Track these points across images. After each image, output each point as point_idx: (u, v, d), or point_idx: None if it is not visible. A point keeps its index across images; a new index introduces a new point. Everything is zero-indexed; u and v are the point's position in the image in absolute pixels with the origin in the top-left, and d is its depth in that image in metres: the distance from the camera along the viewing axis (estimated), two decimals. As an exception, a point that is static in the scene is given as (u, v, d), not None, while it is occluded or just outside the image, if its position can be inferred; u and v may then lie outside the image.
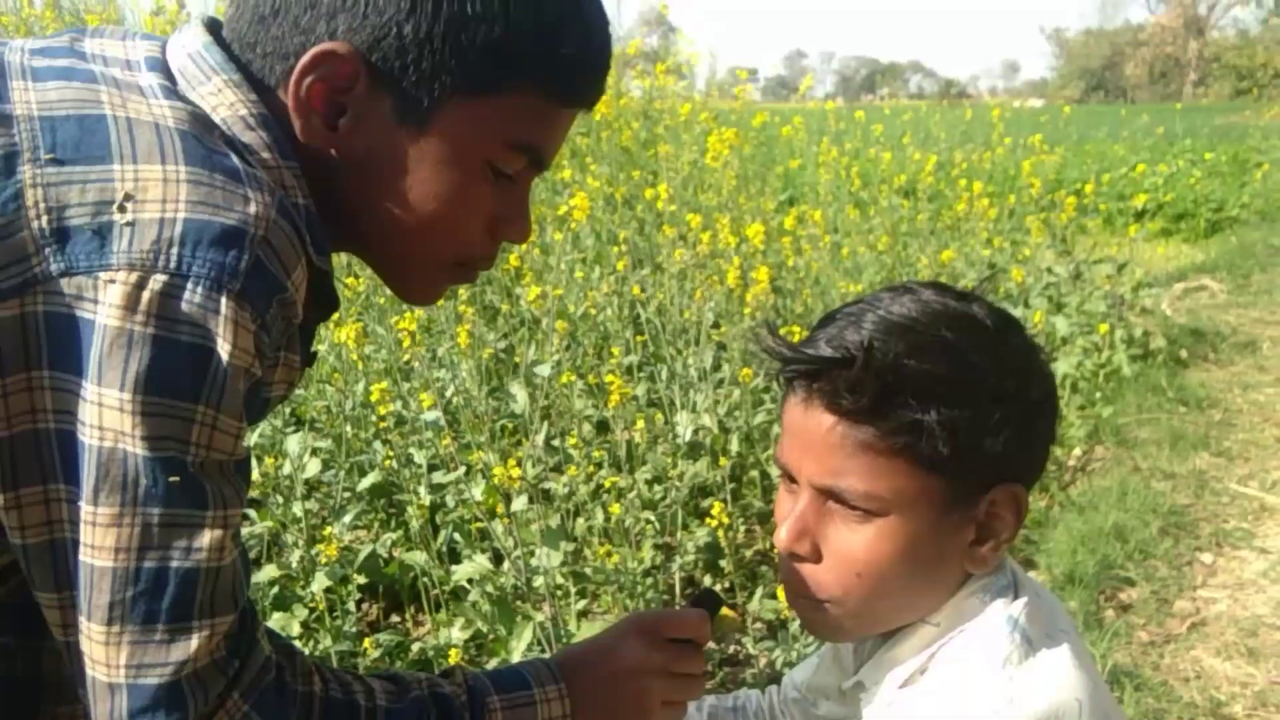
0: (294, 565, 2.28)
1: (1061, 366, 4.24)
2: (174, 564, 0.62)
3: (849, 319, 0.77)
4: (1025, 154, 8.17)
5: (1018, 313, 4.55)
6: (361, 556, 2.37)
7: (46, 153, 0.62)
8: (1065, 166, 10.57)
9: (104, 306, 0.59)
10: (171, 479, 0.61)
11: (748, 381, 2.78)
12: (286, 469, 2.38)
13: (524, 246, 3.34)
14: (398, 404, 2.73)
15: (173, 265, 0.60)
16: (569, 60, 0.73)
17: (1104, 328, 4.41)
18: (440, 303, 3.18)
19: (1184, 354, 5.09)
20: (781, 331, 0.80)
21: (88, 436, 0.61)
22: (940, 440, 0.73)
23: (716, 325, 3.17)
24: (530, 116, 0.74)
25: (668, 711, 0.88)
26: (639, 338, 3.26)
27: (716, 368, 3.04)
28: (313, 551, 2.26)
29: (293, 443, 2.42)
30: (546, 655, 0.88)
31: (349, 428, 2.65)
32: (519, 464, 2.18)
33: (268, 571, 2.24)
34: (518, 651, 2.06)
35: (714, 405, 2.87)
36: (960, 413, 0.73)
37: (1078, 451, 3.86)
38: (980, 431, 0.73)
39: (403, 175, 0.72)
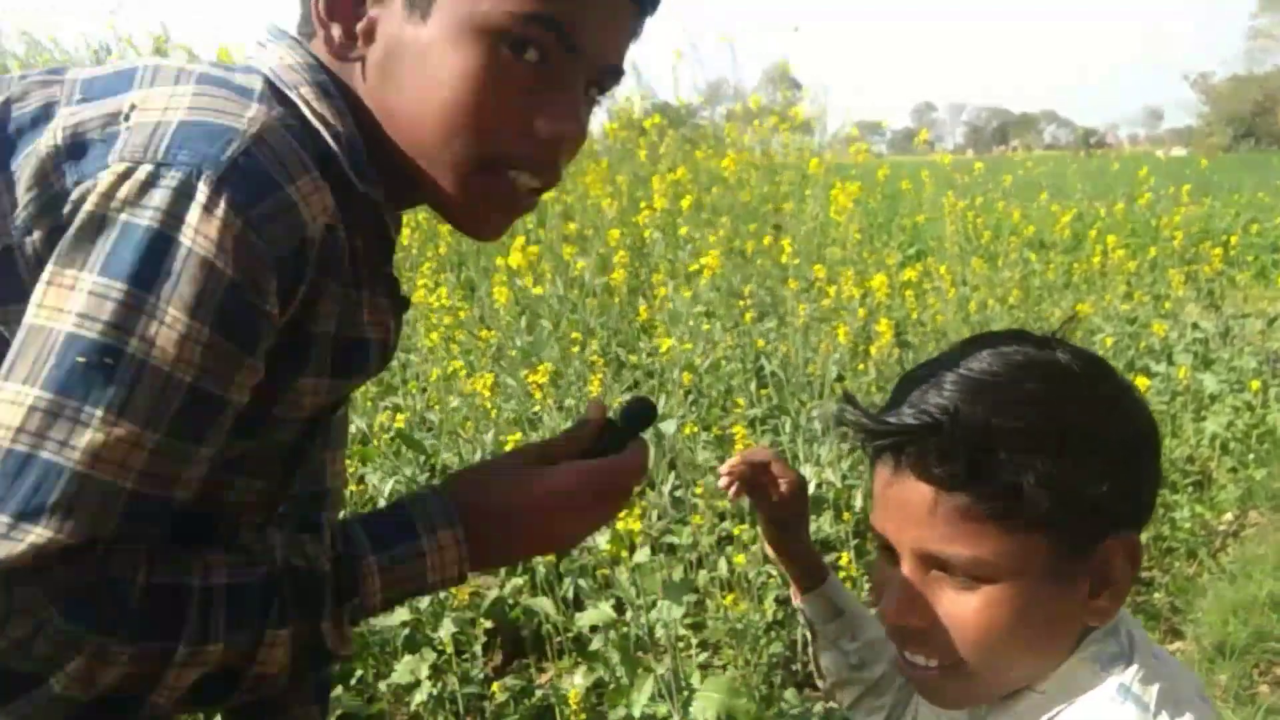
0: (423, 609, 2.35)
1: (1210, 426, 4.03)
2: (43, 455, 0.57)
3: (928, 381, 0.74)
4: (1167, 205, 7.86)
5: (1161, 369, 4.36)
6: (488, 602, 2.42)
7: (80, 97, 0.66)
8: (1211, 217, 10.10)
9: (91, 196, 0.61)
10: (79, 359, 0.58)
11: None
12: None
13: (656, 303, 3.39)
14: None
15: (159, 156, 0.61)
16: None
17: (1256, 385, 4.18)
18: (575, 350, 3.25)
19: (1346, 413, 4.77)
20: (864, 401, 0.77)
21: (30, 315, 0.60)
22: (1041, 498, 0.69)
23: (840, 378, 3.15)
24: None
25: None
26: (763, 390, 3.26)
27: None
28: (442, 596, 2.32)
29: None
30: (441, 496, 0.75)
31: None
32: (642, 515, 2.21)
33: (399, 614, 2.32)
34: (638, 705, 2.07)
35: (837, 459, 2.84)
36: (1057, 466, 0.69)
37: (1229, 516, 3.64)
38: (1080, 482, 0.70)
39: (417, 66, 0.70)
